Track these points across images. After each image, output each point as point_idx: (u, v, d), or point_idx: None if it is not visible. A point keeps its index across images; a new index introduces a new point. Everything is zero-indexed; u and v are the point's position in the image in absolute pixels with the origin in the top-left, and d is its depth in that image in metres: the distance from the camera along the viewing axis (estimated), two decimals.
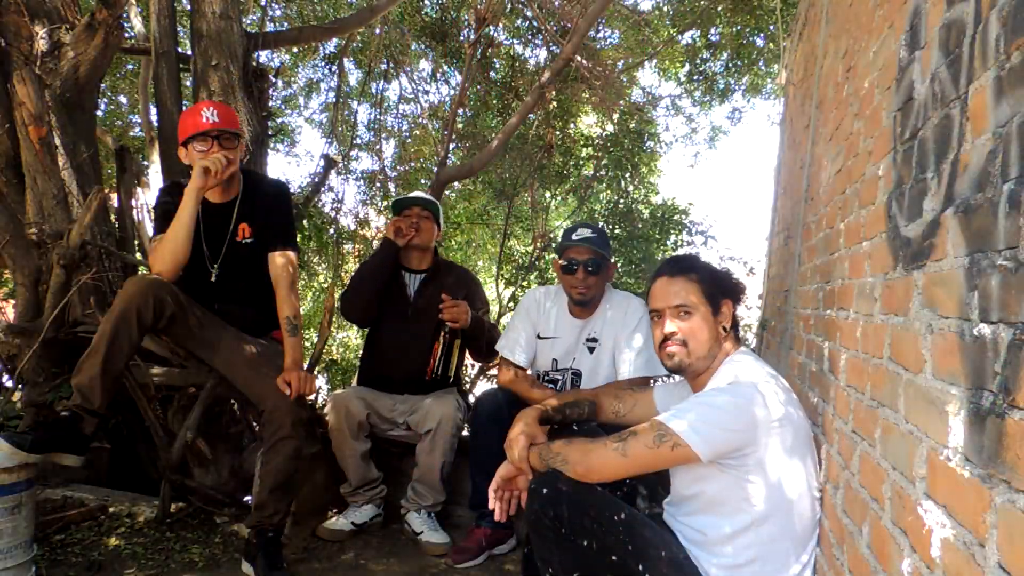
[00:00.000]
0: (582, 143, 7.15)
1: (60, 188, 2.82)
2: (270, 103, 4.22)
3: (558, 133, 6.89)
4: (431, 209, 2.99)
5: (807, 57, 3.14)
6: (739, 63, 7.20)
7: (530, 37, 6.97)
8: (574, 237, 2.58)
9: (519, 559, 2.46)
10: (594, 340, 2.68)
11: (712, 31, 6.96)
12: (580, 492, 1.63)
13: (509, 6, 6.46)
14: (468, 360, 7.24)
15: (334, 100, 7.86)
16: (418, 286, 2.99)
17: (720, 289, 1.77)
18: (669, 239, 6.74)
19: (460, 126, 7.04)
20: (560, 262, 2.63)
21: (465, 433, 2.91)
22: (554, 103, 6.61)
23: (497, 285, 7.34)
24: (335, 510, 2.95)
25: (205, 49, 3.40)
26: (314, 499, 2.94)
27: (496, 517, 1.86)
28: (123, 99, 7.78)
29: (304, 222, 5.20)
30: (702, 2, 6.36)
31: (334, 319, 2.99)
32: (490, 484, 1.86)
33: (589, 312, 2.68)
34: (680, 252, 6.54)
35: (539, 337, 2.74)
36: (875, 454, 1.24)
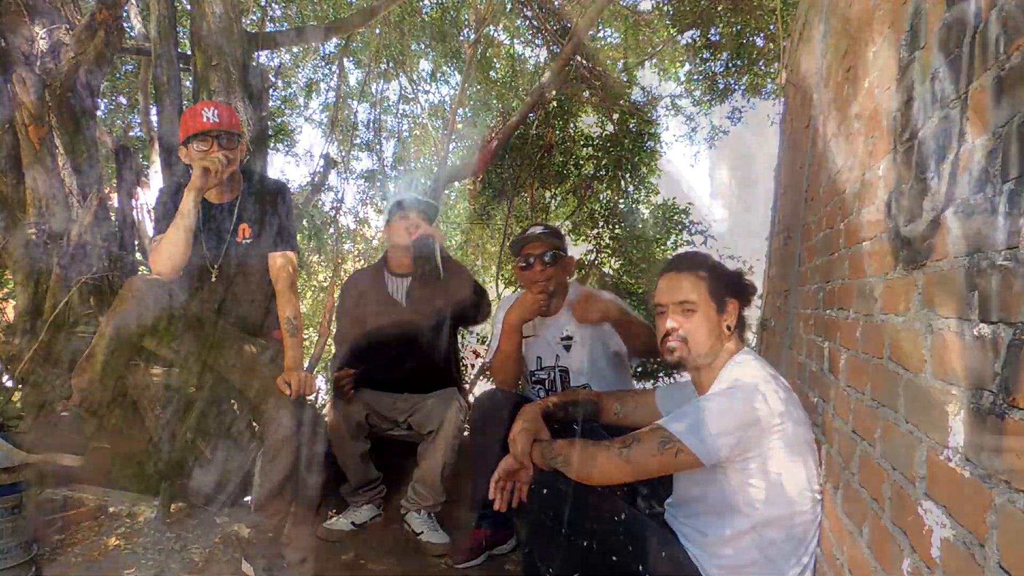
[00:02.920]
0: (582, 143, 7.15)
1: (60, 188, 2.82)
2: (270, 103, 4.22)
3: (558, 133, 6.89)
4: (429, 213, 2.96)
5: (807, 57, 3.13)
6: (739, 63, 7.20)
7: (530, 37, 6.98)
8: (527, 234, 2.69)
9: (519, 559, 2.46)
10: (568, 338, 2.70)
11: (712, 31, 6.96)
12: (580, 492, 1.63)
13: (509, 6, 6.46)
14: (467, 360, 7.25)
15: (334, 100, 7.87)
16: (407, 289, 2.96)
17: (727, 288, 1.76)
18: (669, 239, 6.74)
19: (460, 126, 7.04)
20: (519, 263, 2.68)
21: (465, 433, 2.90)
22: (554, 103, 6.62)
23: (497, 285, 7.34)
24: (335, 510, 2.94)
25: (205, 49, 3.39)
26: (314, 499, 2.94)
27: (496, 507, 1.86)
28: (123, 99, 7.78)
29: (304, 222, 5.19)
30: (702, 2, 6.35)
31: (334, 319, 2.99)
32: (491, 479, 1.86)
33: (554, 309, 2.69)
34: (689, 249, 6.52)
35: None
36: (875, 454, 1.24)
